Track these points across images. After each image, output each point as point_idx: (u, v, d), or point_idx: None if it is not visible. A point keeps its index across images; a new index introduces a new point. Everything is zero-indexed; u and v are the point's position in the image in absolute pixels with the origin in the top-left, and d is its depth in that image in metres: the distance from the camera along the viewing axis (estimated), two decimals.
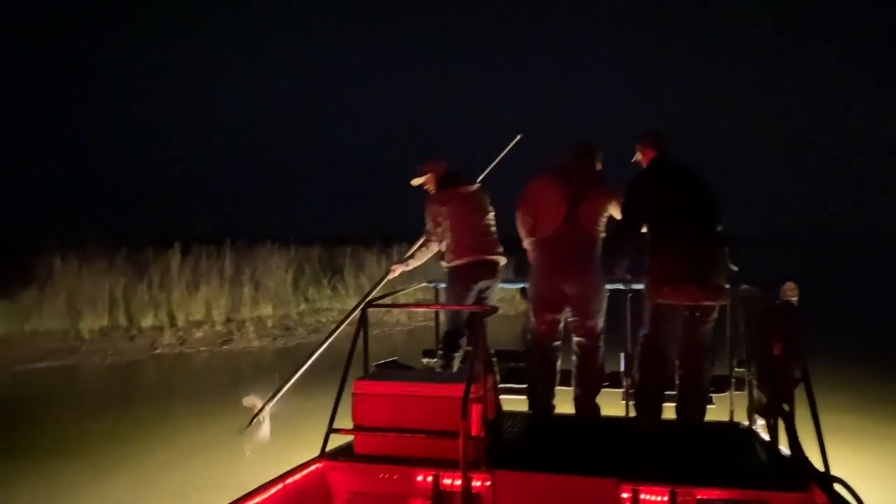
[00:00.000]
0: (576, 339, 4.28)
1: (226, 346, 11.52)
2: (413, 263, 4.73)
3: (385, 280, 4.75)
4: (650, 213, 4.01)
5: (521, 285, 4.92)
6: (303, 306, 14.30)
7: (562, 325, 4.29)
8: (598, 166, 4.35)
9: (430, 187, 4.68)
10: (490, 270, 4.58)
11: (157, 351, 11.15)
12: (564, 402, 4.39)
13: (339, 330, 4.51)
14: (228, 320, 12.76)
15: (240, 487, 3.03)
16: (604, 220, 4.24)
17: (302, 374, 4.39)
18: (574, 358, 4.30)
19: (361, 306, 3.80)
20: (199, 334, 11.90)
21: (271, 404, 4.24)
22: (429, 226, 4.59)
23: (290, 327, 12.89)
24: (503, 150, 5.29)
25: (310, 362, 4.43)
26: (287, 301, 14.03)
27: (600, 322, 4.26)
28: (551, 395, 4.29)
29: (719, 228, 4.01)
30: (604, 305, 4.27)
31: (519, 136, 5.31)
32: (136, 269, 12.97)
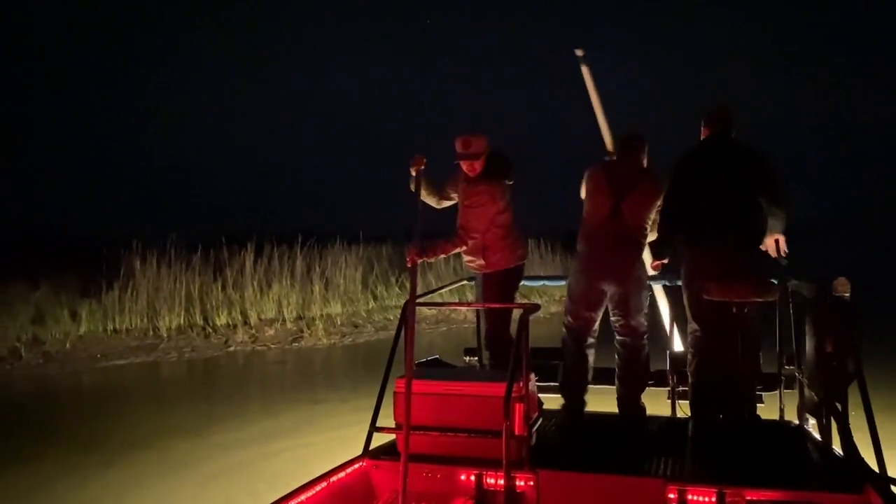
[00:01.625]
0: (619, 338, 4.15)
1: (296, 344, 11.76)
2: None
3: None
4: (688, 196, 3.82)
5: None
6: (371, 304, 14.46)
7: (598, 322, 4.18)
8: (644, 160, 4.16)
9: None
10: None
11: (231, 348, 11.50)
12: (608, 402, 4.28)
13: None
14: (299, 318, 13.02)
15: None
16: (651, 216, 4.08)
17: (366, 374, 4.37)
18: (617, 357, 4.18)
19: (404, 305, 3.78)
20: (270, 332, 12.19)
21: None
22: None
23: (358, 325, 13.05)
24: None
25: None
26: (356, 299, 14.21)
27: (644, 321, 4.12)
28: (584, 391, 4.21)
29: (778, 215, 3.78)
30: (646, 303, 4.13)
31: (580, 53, 4.53)
32: (212, 269, 13.38)
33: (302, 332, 12.29)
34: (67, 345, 11.10)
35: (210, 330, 12.22)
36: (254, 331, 12.22)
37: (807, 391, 3.76)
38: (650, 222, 4.09)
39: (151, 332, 12.01)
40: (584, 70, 4.44)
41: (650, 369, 4.23)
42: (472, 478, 3.29)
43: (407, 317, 3.57)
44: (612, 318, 4.15)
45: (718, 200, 3.76)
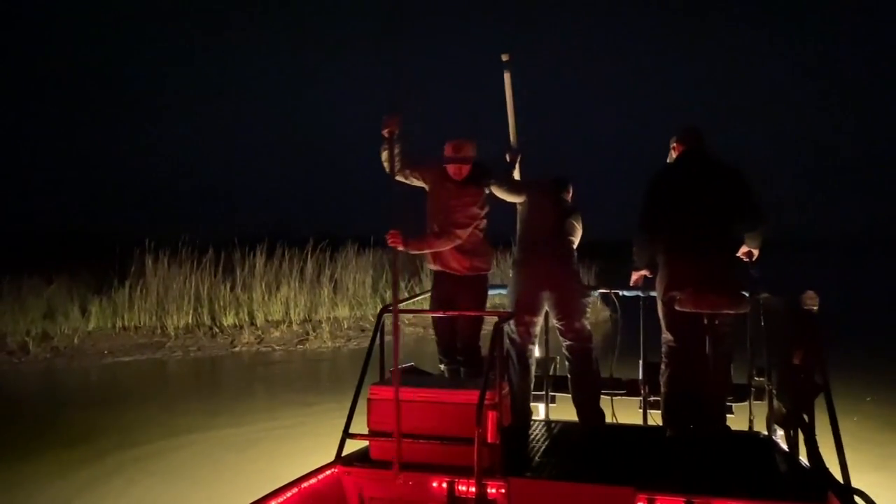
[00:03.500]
0: (566, 343, 4.24)
1: (300, 346, 11.80)
2: None
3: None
4: (664, 211, 3.91)
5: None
6: (379, 308, 14.44)
7: (539, 328, 4.32)
8: (569, 198, 4.51)
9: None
10: None
11: (236, 349, 11.56)
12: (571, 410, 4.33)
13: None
14: (306, 320, 13.06)
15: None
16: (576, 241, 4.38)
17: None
18: (567, 364, 4.28)
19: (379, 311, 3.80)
20: (276, 334, 12.24)
21: None
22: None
23: (365, 329, 13.04)
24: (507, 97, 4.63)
25: None
26: (364, 303, 14.22)
27: (587, 324, 4.25)
28: (529, 398, 4.35)
29: (753, 230, 3.89)
30: (587, 308, 4.29)
31: (505, 57, 4.60)
32: (222, 270, 13.46)
33: (308, 334, 12.33)
34: (76, 340, 11.24)
35: (217, 330, 12.31)
36: (260, 332, 12.28)
37: (776, 402, 3.84)
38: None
39: (159, 331, 12.12)
40: (507, 75, 4.61)
41: (600, 372, 4.33)
42: (444, 485, 3.29)
43: (380, 323, 3.60)
44: (556, 324, 4.25)
45: (694, 214, 3.82)
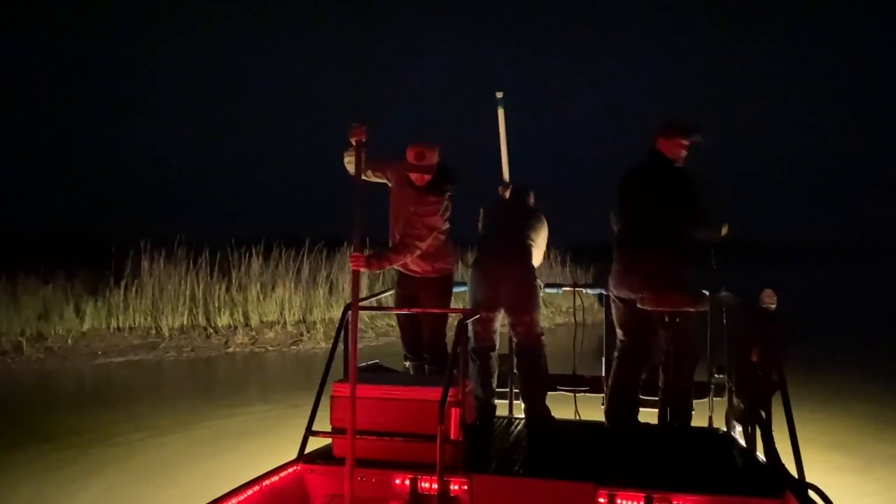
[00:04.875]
0: (517, 339, 4.29)
1: (294, 347, 11.79)
2: None
3: None
4: (626, 207, 3.99)
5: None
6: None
7: (497, 324, 4.35)
8: (531, 201, 4.69)
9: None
10: None
11: (230, 349, 11.57)
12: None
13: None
14: (301, 321, 13.04)
15: None
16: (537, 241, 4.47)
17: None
18: (516, 359, 4.34)
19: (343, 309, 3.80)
20: (270, 334, 12.24)
21: None
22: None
23: (360, 330, 13.02)
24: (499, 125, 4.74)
25: None
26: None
27: (538, 320, 4.30)
28: (493, 395, 4.40)
29: (705, 233, 3.95)
30: (539, 305, 4.35)
31: (500, 95, 4.72)
32: (217, 270, 13.45)
33: (302, 335, 12.32)
34: (69, 341, 11.25)
35: (211, 330, 12.31)
36: (254, 332, 12.28)
37: (735, 399, 3.90)
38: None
39: (154, 331, 12.12)
40: (500, 112, 4.71)
41: (548, 370, 4.37)
42: (407, 482, 3.30)
43: (348, 323, 3.61)
44: (508, 318, 4.29)
45: (652, 213, 3.87)
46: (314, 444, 3.53)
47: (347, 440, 3.33)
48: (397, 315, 4.43)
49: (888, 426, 6.78)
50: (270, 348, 11.66)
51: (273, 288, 13.31)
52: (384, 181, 4.22)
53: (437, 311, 4.12)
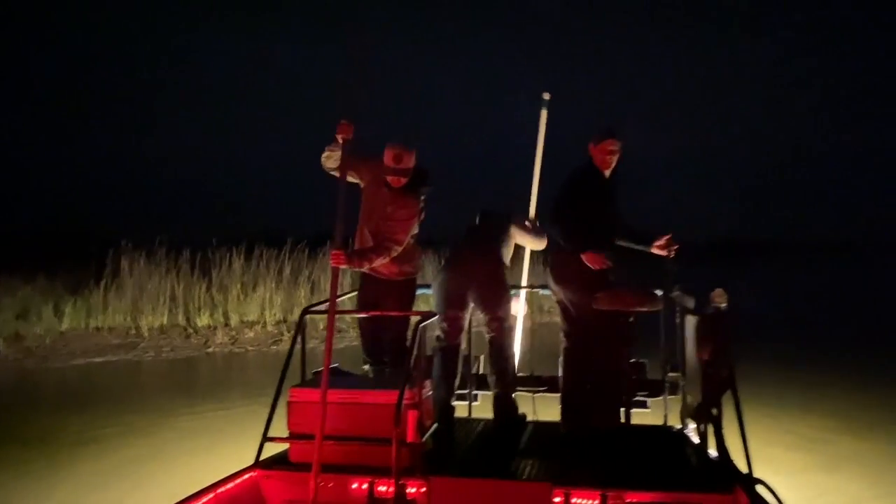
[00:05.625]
0: (488, 335, 4.31)
1: (274, 347, 11.78)
2: None
3: None
4: (575, 208, 4.09)
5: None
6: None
7: (466, 322, 4.38)
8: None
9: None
10: None
11: (210, 349, 11.56)
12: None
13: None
14: (282, 321, 13.03)
15: None
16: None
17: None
18: (488, 355, 4.36)
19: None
20: (250, 334, 12.24)
21: None
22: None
23: (341, 329, 13.00)
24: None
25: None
26: (342, 303, 14.15)
27: (509, 315, 4.33)
28: (452, 395, 4.38)
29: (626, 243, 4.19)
30: (510, 300, 4.37)
31: (546, 96, 4.86)
32: (198, 270, 13.42)
33: (282, 335, 12.31)
34: (48, 340, 11.22)
35: (191, 330, 12.29)
36: (234, 332, 12.26)
37: (688, 397, 3.96)
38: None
39: (133, 331, 12.09)
40: (544, 113, 4.81)
41: (516, 366, 4.43)
42: (365, 486, 3.30)
43: (301, 325, 3.62)
44: (482, 315, 4.33)
45: (601, 216, 4.04)
46: (270, 450, 3.53)
47: (307, 445, 3.37)
48: (358, 318, 4.43)
49: (856, 424, 6.87)
50: (250, 348, 11.66)
51: (254, 288, 13.30)
52: (356, 181, 4.23)
53: (397, 313, 4.15)
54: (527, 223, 4.71)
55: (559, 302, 4.19)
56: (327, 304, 3.70)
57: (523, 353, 4.90)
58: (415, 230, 4.18)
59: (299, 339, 3.84)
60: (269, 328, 12.62)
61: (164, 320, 12.42)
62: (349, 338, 11.22)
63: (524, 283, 5.13)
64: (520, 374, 4.60)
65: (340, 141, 3.78)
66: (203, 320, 12.58)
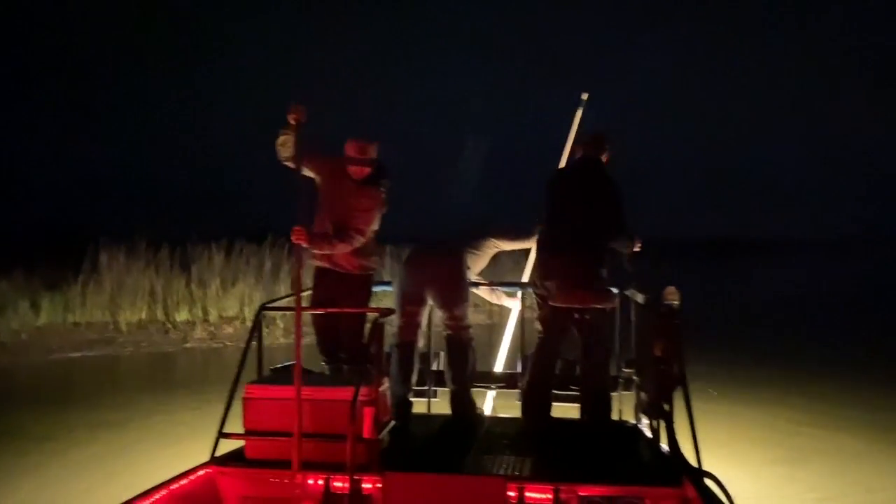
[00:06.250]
0: (446, 332, 4.36)
1: (253, 342, 11.71)
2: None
3: None
4: (550, 207, 4.19)
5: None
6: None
7: (423, 319, 4.39)
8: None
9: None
10: None
11: (188, 345, 11.54)
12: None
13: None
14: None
15: None
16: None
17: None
18: (446, 352, 4.39)
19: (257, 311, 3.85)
20: (229, 330, 12.22)
21: None
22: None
23: (270, 328, 12.94)
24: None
25: None
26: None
27: (467, 313, 4.36)
28: (410, 391, 4.39)
29: (615, 241, 4.14)
30: (468, 298, 4.40)
31: (584, 97, 4.98)
32: (177, 266, 13.35)
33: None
34: (23, 336, 11.13)
35: (170, 325, 12.25)
36: (213, 328, 12.23)
37: (642, 393, 4.04)
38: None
39: (111, 326, 12.03)
40: (579, 112, 4.89)
41: (476, 363, 4.44)
42: (320, 482, 3.33)
43: (258, 322, 3.61)
44: (440, 312, 4.38)
45: (572, 216, 4.08)
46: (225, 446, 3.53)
47: (262, 442, 3.40)
48: (312, 316, 4.37)
49: (824, 419, 6.95)
50: (229, 343, 11.63)
51: (233, 283, 13.25)
52: (312, 175, 4.23)
53: (355, 310, 4.16)
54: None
55: (537, 298, 4.27)
56: (285, 300, 3.71)
57: (513, 351, 4.92)
58: (376, 225, 4.22)
59: (256, 336, 3.81)
60: (248, 323, 12.54)
61: (143, 315, 12.37)
62: (304, 335, 11.24)
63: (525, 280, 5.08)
64: (479, 371, 4.62)
65: (293, 122, 3.61)
66: (182, 315, 12.53)
